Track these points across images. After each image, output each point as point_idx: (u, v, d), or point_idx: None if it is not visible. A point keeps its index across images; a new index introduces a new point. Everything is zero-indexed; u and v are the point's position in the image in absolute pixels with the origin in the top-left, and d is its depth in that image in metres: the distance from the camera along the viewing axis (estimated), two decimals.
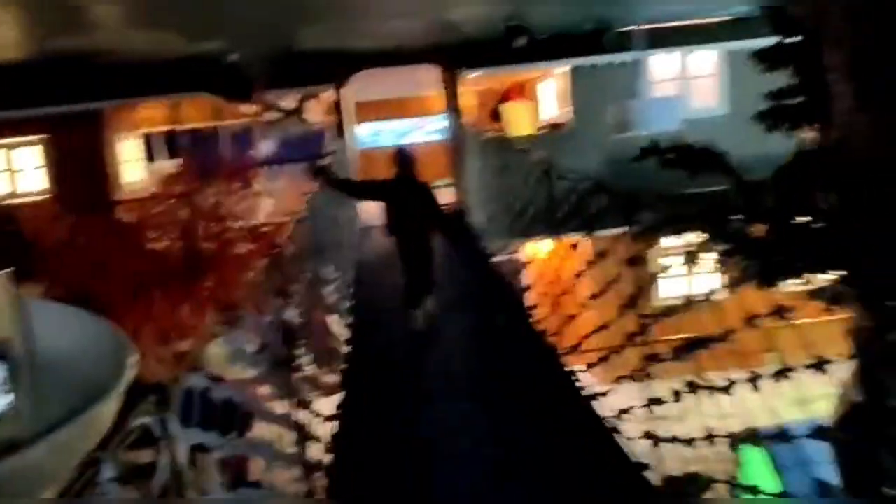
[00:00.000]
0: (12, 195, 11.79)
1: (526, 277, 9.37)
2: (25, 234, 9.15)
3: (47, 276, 8.51)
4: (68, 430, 1.82)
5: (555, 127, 12.32)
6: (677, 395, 3.41)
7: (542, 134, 12.80)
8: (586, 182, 4.42)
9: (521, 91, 14.67)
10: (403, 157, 6.00)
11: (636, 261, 4.11)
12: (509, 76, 13.73)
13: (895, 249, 4.13)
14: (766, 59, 5.92)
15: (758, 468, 9.19)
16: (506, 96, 14.88)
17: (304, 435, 3.88)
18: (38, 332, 4.46)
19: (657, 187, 6.40)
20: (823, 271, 4.76)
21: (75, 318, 5.37)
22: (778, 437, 3.24)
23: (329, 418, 4.30)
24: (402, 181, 5.94)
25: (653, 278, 3.58)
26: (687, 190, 6.13)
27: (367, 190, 6.62)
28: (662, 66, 11.20)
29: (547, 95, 13.68)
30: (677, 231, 4.86)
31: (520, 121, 13.95)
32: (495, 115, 14.55)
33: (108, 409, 1.82)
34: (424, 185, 5.98)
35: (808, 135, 5.53)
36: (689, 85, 11.12)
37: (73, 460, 1.71)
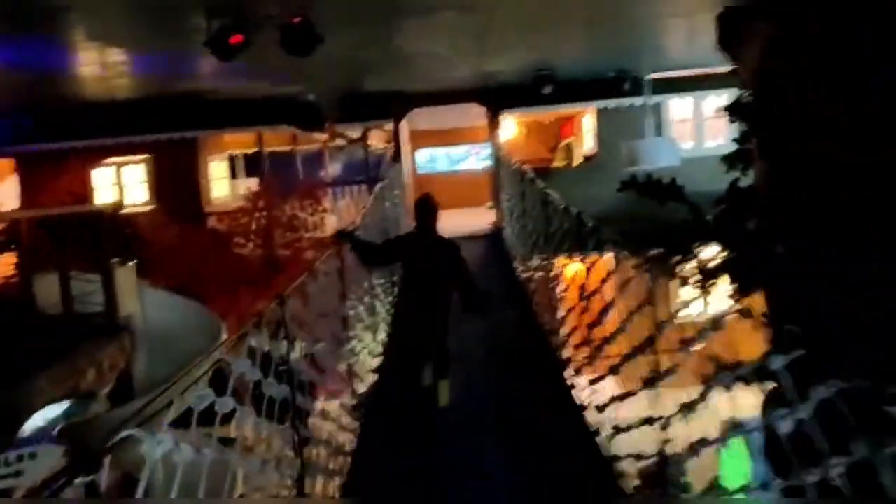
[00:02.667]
0: (120, 205, 14.00)
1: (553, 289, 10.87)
2: (140, 237, 11.21)
3: (155, 270, 10.52)
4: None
5: (588, 159, 13.95)
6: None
7: (582, 164, 14.40)
8: (566, 210, 5.98)
9: (572, 127, 16.20)
10: (423, 207, 5.29)
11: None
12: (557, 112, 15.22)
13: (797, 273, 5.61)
14: (729, 110, 7.41)
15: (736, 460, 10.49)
16: (563, 132, 16.44)
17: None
18: (151, 311, 7.17)
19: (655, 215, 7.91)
20: (748, 288, 6.25)
21: (179, 302, 8.03)
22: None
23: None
24: (422, 234, 5.29)
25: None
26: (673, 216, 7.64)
27: (387, 253, 5.71)
28: (679, 109, 12.78)
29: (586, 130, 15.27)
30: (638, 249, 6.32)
31: (573, 154, 15.48)
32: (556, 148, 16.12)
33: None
34: (448, 241, 5.34)
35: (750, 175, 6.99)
36: (703, 126, 12.66)
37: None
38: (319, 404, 4.54)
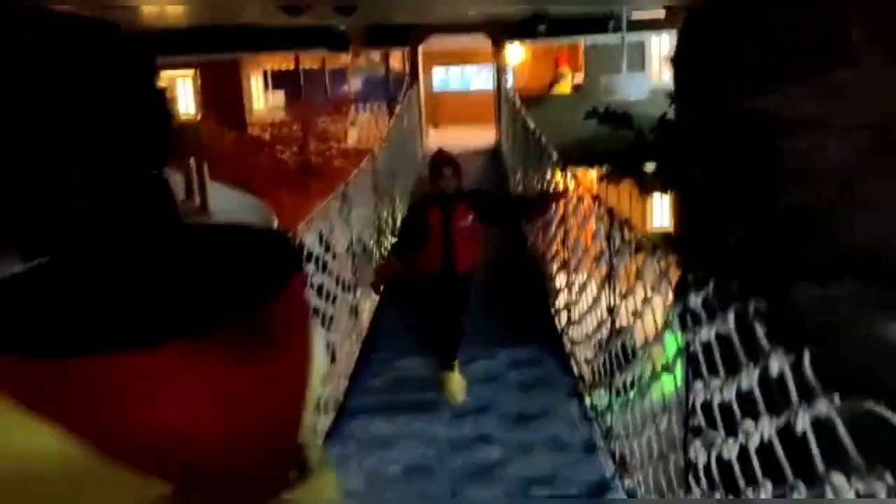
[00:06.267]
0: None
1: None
2: (201, 143, 13.44)
3: (212, 170, 12.80)
4: None
5: (577, 88, 15.96)
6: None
7: (571, 93, 16.39)
8: (534, 132, 8.13)
9: (568, 56, 17.96)
10: (436, 167, 4.46)
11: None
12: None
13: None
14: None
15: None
16: (558, 60, 18.25)
17: None
18: (218, 202, 10.34)
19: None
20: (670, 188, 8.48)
21: (238, 195, 11.04)
22: None
23: None
24: (437, 202, 4.45)
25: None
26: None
27: (408, 240, 4.55)
28: (662, 46, 14.69)
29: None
30: (593, 164, 8.53)
31: (565, 82, 17.35)
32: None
33: None
34: (468, 194, 4.61)
35: None
36: None
37: None
38: None
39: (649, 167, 8.95)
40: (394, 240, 5.44)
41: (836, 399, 1.75)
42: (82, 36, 0.94)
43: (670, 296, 3.43)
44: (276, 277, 0.97)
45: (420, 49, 15.42)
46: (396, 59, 18.10)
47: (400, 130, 10.18)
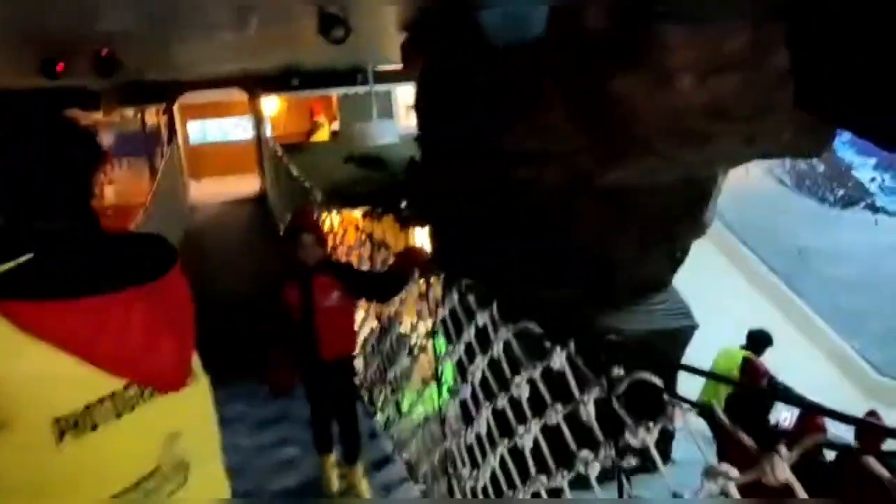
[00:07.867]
0: None
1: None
2: None
3: None
4: None
5: (335, 135, 17.10)
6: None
7: (329, 140, 17.51)
8: (296, 178, 9.00)
9: (323, 106, 19.07)
10: (297, 231, 3.91)
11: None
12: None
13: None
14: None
15: None
16: (313, 110, 19.26)
17: None
18: None
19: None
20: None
21: None
22: None
23: None
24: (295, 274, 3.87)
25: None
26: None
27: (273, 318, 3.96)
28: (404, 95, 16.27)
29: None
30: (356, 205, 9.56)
31: (323, 130, 18.44)
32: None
33: None
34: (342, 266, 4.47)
35: None
36: None
37: None
38: None
39: (404, 204, 10.15)
40: None
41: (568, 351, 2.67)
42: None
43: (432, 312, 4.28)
44: (168, 258, 1.75)
45: (176, 104, 15.64)
46: (152, 115, 18.04)
47: (163, 186, 10.51)
